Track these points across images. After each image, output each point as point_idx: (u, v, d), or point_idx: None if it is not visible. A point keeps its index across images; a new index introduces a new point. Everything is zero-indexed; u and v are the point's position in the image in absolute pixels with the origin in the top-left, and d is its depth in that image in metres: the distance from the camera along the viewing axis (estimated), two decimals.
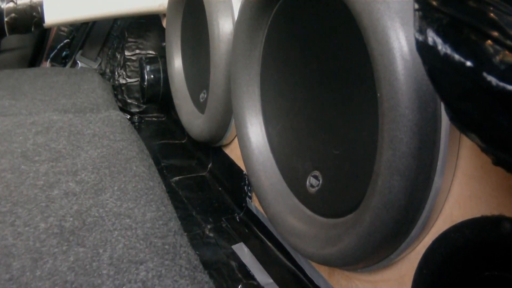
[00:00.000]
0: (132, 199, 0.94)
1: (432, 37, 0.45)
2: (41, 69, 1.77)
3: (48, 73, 1.69)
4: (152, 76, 1.74)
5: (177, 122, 1.68)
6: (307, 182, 0.98)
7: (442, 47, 0.44)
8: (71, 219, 0.88)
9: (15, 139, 1.19)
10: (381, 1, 0.70)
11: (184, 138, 1.75)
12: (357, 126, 0.85)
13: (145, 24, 1.90)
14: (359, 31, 0.74)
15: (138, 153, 1.13)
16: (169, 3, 1.56)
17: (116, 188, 0.97)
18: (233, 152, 1.39)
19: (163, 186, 1.07)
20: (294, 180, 1.04)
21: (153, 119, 1.92)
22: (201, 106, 1.44)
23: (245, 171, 1.32)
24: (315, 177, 0.97)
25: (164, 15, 1.69)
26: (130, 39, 1.90)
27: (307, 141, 0.99)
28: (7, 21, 1.53)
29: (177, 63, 1.61)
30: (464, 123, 0.46)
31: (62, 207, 0.91)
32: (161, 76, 1.74)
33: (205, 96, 1.40)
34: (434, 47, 0.45)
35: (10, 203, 0.93)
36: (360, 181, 0.83)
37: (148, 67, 1.74)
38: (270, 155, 1.10)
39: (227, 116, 1.29)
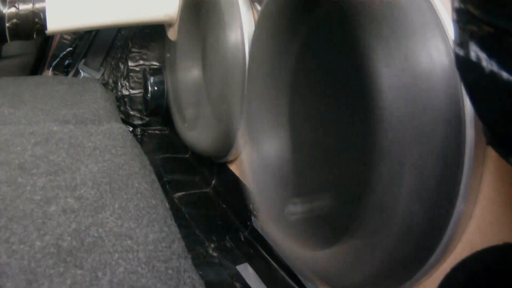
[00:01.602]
0: (134, 218, 0.89)
1: (475, 51, 0.40)
2: (42, 78, 1.73)
3: (49, 82, 1.64)
4: (155, 88, 1.69)
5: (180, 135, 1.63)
6: (327, 200, 0.96)
7: (487, 64, 0.39)
8: (68, 238, 0.82)
9: (13, 150, 1.14)
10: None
11: (187, 153, 1.70)
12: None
13: (149, 34, 1.85)
14: None
15: (141, 168, 1.08)
16: (180, 13, 1.52)
17: (117, 206, 0.92)
18: (239, 168, 1.35)
19: (166, 204, 1.03)
20: (312, 196, 1.00)
21: (156, 132, 1.87)
22: (205, 121, 1.39)
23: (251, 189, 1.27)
24: (335, 195, 0.94)
25: (170, 25, 1.65)
26: (133, 49, 1.86)
27: (328, 158, 0.96)
28: (8, 27, 1.48)
29: (181, 75, 1.56)
30: (508, 148, 0.41)
31: (60, 224, 0.86)
32: (165, 88, 1.69)
33: (210, 110, 1.35)
34: (477, 64, 0.40)
35: (5, 217, 0.88)
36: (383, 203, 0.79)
37: (152, 79, 1.69)
38: (286, 172, 1.06)
39: (233, 132, 1.24)
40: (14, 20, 1.48)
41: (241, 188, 1.33)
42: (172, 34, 1.64)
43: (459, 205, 0.67)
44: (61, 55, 1.89)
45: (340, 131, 0.95)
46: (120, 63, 1.89)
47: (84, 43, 1.89)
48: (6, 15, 1.47)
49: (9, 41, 1.53)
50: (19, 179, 1.00)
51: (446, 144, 0.64)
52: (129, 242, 0.82)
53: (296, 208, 1.01)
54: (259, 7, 1.16)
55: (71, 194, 0.95)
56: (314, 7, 0.94)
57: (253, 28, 1.16)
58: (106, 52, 1.90)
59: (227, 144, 1.29)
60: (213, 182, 1.51)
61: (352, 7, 0.74)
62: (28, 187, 0.97)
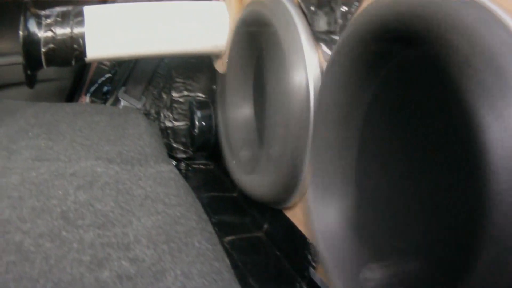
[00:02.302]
0: (199, 287, 0.77)
1: None
2: (80, 106, 1.62)
3: (88, 111, 1.54)
4: (203, 123, 1.58)
5: (226, 172, 1.52)
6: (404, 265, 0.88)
7: None
8: None
9: (53, 193, 1.03)
10: None
11: (235, 191, 1.59)
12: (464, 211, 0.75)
13: (194, 64, 1.75)
14: None
15: (198, 222, 0.96)
16: (231, 45, 1.41)
17: (179, 272, 0.80)
18: (297, 216, 1.23)
19: (228, 261, 0.91)
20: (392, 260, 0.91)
21: (201, 166, 1.76)
22: (261, 164, 1.28)
23: (310, 240, 1.16)
24: (413, 259, 0.86)
25: (218, 57, 1.54)
26: (177, 79, 1.76)
27: (407, 221, 0.88)
28: (44, 52, 1.37)
29: (231, 111, 1.45)
30: None
31: None
32: (213, 124, 1.58)
33: (267, 153, 1.24)
34: None
35: (51, 282, 0.76)
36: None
37: (199, 113, 1.58)
38: (356, 234, 0.96)
39: (294, 179, 1.13)
40: (51, 45, 1.37)
41: (297, 236, 1.22)
42: (220, 66, 1.54)
43: None
44: (99, 81, 1.80)
45: (423, 191, 0.85)
46: (163, 93, 1.78)
47: (124, 70, 1.79)
48: (42, 39, 1.36)
49: (45, 67, 1.42)
50: (64, 232, 0.89)
51: None
52: None
53: (374, 274, 0.90)
54: (324, 47, 1.05)
55: (124, 254, 0.83)
56: (390, 56, 0.85)
57: (318, 69, 1.06)
58: (148, 80, 1.80)
59: (286, 191, 1.18)
60: (265, 226, 1.40)
61: (448, 58, 0.65)
62: (74, 244, 0.85)
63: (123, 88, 1.81)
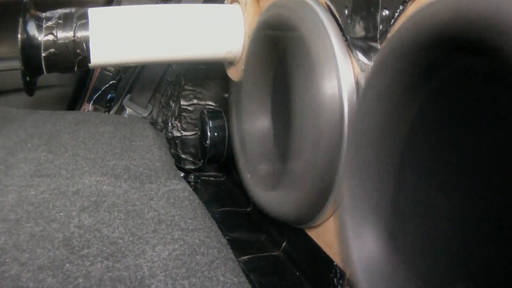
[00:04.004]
0: None
1: None
2: (82, 114, 1.52)
3: (91, 120, 1.44)
4: (215, 134, 1.48)
5: (239, 184, 1.42)
6: None
7: None
8: None
9: (54, 216, 0.92)
10: None
11: (248, 206, 1.49)
12: None
13: (205, 71, 1.65)
14: None
15: (220, 250, 0.85)
16: (248, 52, 1.30)
17: None
18: (322, 236, 1.13)
19: None
20: None
21: (211, 178, 1.66)
22: (284, 182, 1.17)
23: (335, 262, 1.07)
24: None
25: (231, 64, 1.44)
26: (187, 87, 1.65)
27: (457, 246, 0.79)
28: (44, 57, 1.26)
29: (246, 122, 1.35)
30: None
31: None
32: (226, 134, 1.47)
33: (294, 169, 1.13)
34: None
35: None
36: None
37: (211, 123, 1.47)
38: (399, 261, 0.85)
39: (323, 198, 1.03)
40: (52, 50, 1.26)
41: (321, 257, 1.12)
42: (233, 73, 1.43)
43: None
44: (103, 88, 1.69)
45: (473, 216, 0.76)
46: (171, 101, 1.68)
47: (129, 76, 1.69)
48: (42, 44, 1.25)
49: (45, 73, 1.31)
50: (67, 264, 0.78)
51: None
52: None
53: None
54: (360, 55, 0.95)
55: None
56: (444, 66, 0.75)
57: (352, 79, 0.96)
58: (154, 88, 1.70)
59: (311, 211, 1.08)
60: (284, 244, 1.30)
61: None
62: (80, 279, 0.74)
63: (128, 96, 1.71)
